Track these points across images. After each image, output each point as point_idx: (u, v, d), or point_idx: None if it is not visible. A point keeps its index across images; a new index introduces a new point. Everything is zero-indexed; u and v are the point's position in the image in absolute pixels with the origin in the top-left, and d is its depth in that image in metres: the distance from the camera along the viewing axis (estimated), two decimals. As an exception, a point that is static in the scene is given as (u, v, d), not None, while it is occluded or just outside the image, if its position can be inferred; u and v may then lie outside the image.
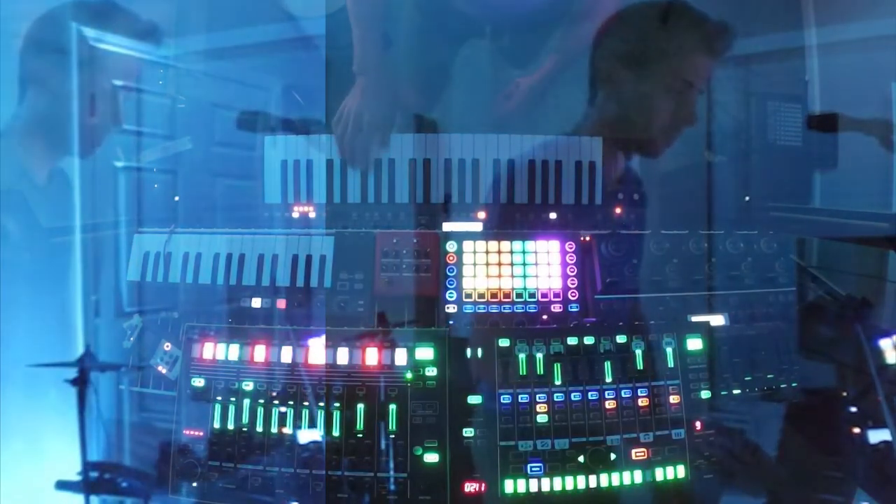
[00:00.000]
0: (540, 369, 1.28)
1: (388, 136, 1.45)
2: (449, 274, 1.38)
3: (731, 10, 1.63)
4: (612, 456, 1.26)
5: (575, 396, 1.28)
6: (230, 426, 1.29)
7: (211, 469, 1.28)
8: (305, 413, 1.27)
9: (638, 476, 1.26)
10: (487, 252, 1.40)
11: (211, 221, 1.46)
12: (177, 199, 1.56)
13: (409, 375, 1.27)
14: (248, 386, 1.29)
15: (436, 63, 1.59)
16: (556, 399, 1.27)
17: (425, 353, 1.27)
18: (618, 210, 1.48)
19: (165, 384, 1.36)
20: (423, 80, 1.58)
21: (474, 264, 1.39)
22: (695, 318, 1.37)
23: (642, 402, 1.29)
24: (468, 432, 1.24)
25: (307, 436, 1.26)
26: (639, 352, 1.32)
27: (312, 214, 1.45)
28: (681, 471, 1.28)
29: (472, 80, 1.59)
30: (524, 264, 1.40)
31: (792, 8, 1.73)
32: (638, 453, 1.27)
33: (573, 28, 1.59)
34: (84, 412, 1.27)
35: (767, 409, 1.39)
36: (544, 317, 1.36)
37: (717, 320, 1.39)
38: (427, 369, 1.27)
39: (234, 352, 1.31)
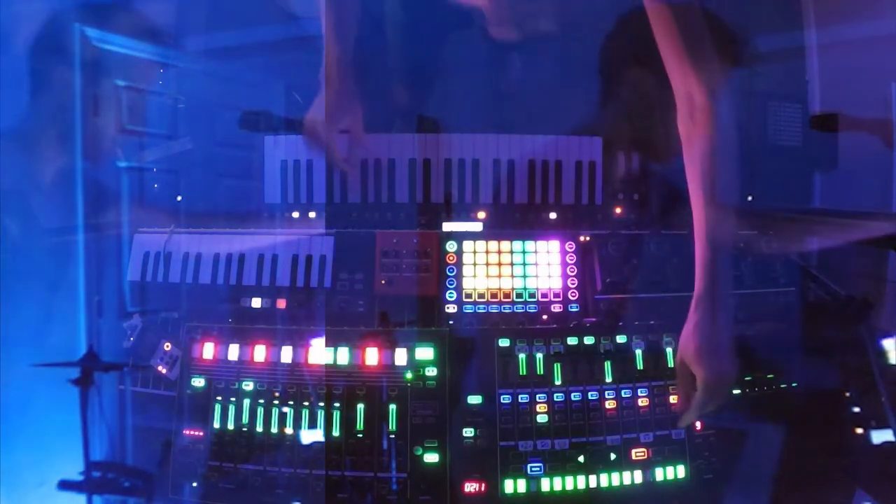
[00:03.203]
0: (540, 369, 1.28)
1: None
2: (449, 274, 1.38)
3: (732, 10, 1.62)
4: (612, 456, 1.26)
5: (575, 396, 1.28)
6: (230, 426, 1.29)
7: (211, 469, 1.28)
8: (306, 413, 1.27)
9: (638, 476, 1.26)
10: (487, 252, 1.40)
11: (211, 221, 1.46)
12: (179, 198, 1.57)
13: (409, 375, 1.27)
14: (249, 386, 1.30)
15: (433, 60, 1.58)
16: (556, 399, 1.27)
17: (425, 353, 1.27)
18: (618, 210, 1.48)
19: (165, 384, 1.36)
20: (421, 77, 1.57)
21: (474, 264, 1.39)
22: (695, 318, 1.37)
23: (642, 402, 1.29)
24: (468, 432, 1.25)
25: (307, 436, 1.26)
26: (639, 352, 1.32)
27: (312, 214, 1.46)
28: (681, 471, 1.28)
29: (471, 77, 1.59)
30: (524, 264, 1.40)
31: (792, 8, 1.73)
32: (638, 453, 1.27)
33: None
34: (86, 412, 1.28)
35: (768, 410, 1.39)
36: (544, 317, 1.36)
37: (718, 320, 1.39)
38: (427, 369, 1.27)
39: (234, 352, 1.31)
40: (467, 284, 1.37)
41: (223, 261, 1.41)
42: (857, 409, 1.42)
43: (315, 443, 1.26)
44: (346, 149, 1.43)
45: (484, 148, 1.45)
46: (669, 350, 1.32)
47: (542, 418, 1.26)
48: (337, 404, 1.26)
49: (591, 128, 1.52)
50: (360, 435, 1.24)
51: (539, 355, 1.29)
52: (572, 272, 1.39)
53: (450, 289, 1.37)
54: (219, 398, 1.30)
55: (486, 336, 1.30)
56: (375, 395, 1.26)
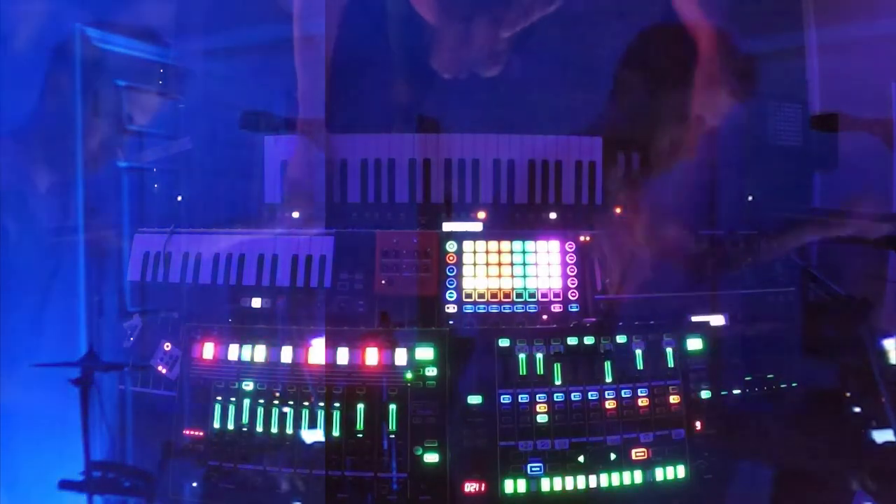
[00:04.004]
0: (540, 369, 1.28)
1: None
2: (449, 274, 1.38)
3: (732, 9, 1.62)
4: (612, 456, 1.26)
5: (575, 396, 1.28)
6: (230, 426, 1.29)
7: (211, 469, 1.28)
8: (306, 413, 1.27)
9: (638, 476, 1.26)
10: (487, 252, 1.40)
11: (211, 221, 1.47)
12: (179, 198, 1.57)
13: (409, 375, 1.27)
14: (249, 386, 1.30)
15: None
16: (556, 399, 1.27)
17: (425, 353, 1.27)
18: (618, 210, 1.48)
19: (165, 384, 1.37)
20: (421, 77, 1.57)
21: (474, 264, 1.39)
22: (695, 318, 1.37)
23: (642, 402, 1.29)
24: (468, 432, 1.25)
25: (307, 436, 1.26)
26: (639, 352, 1.32)
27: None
28: (681, 471, 1.28)
29: (471, 76, 1.59)
30: (524, 264, 1.40)
31: (792, 8, 1.73)
32: (638, 453, 1.27)
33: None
34: (86, 412, 1.28)
35: (768, 410, 1.39)
36: (544, 317, 1.36)
37: (718, 320, 1.39)
38: (427, 369, 1.27)
39: (234, 352, 1.31)
40: (467, 284, 1.38)
41: (223, 261, 1.41)
42: (857, 409, 1.42)
43: (315, 443, 1.26)
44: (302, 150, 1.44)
45: (484, 148, 1.46)
46: (669, 350, 1.32)
47: (542, 418, 1.26)
48: (337, 404, 1.26)
49: (592, 128, 1.53)
50: (361, 435, 1.24)
51: (539, 355, 1.29)
52: (572, 272, 1.39)
53: (450, 289, 1.37)
54: (219, 398, 1.30)
55: (485, 336, 1.30)
56: (375, 395, 1.26)
